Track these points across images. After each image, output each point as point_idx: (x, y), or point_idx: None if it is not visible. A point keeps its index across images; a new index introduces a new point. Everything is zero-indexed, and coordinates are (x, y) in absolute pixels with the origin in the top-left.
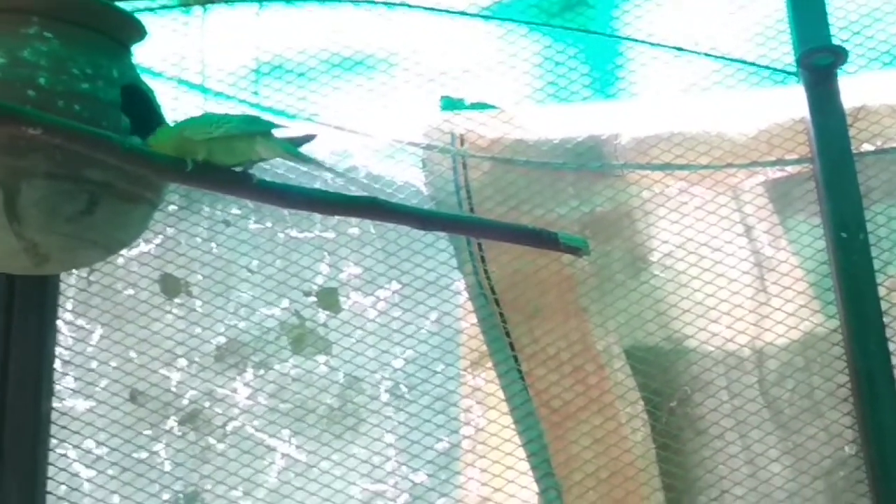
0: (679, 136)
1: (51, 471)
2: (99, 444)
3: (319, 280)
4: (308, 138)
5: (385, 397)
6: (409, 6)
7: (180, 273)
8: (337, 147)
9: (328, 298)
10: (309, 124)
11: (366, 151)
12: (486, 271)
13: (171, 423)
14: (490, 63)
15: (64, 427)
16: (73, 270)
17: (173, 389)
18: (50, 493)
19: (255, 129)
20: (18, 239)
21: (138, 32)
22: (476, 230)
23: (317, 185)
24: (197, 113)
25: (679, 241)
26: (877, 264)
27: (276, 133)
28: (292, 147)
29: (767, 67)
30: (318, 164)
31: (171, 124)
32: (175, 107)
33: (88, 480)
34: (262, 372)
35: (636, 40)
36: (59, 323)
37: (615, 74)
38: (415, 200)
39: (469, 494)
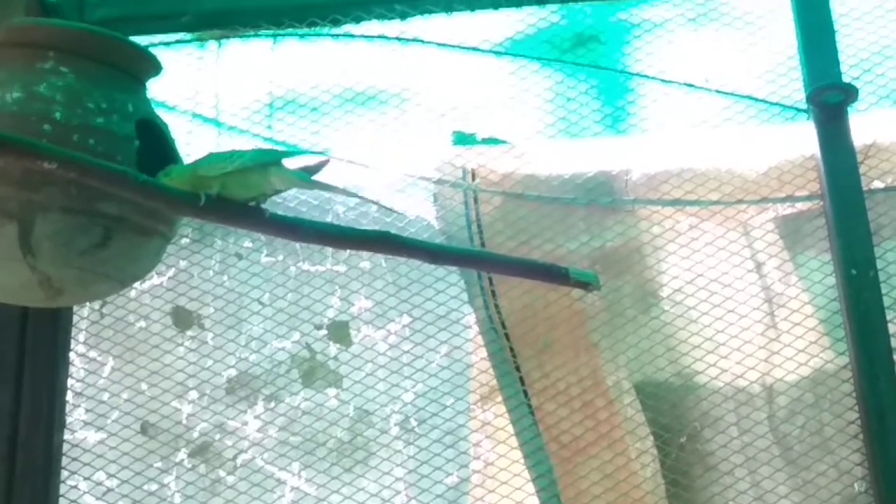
0: (689, 172)
1: (62, 502)
2: (110, 476)
3: (330, 313)
4: (322, 165)
5: (395, 431)
6: (422, 42)
7: (192, 306)
8: (349, 181)
9: (339, 332)
10: (322, 158)
11: (378, 185)
12: (496, 306)
13: (182, 455)
14: (502, 98)
15: (75, 459)
16: (86, 303)
17: (184, 422)
18: None
19: (267, 160)
20: (32, 272)
21: (153, 67)
22: (487, 265)
23: (328, 219)
24: (211, 147)
25: (689, 276)
26: (887, 301)
27: (289, 163)
28: (306, 175)
29: (778, 104)
30: (335, 190)
31: (185, 163)
32: (189, 140)
33: None
34: (272, 405)
35: (647, 76)
36: (71, 355)
37: (626, 110)
38: (426, 235)
39: None
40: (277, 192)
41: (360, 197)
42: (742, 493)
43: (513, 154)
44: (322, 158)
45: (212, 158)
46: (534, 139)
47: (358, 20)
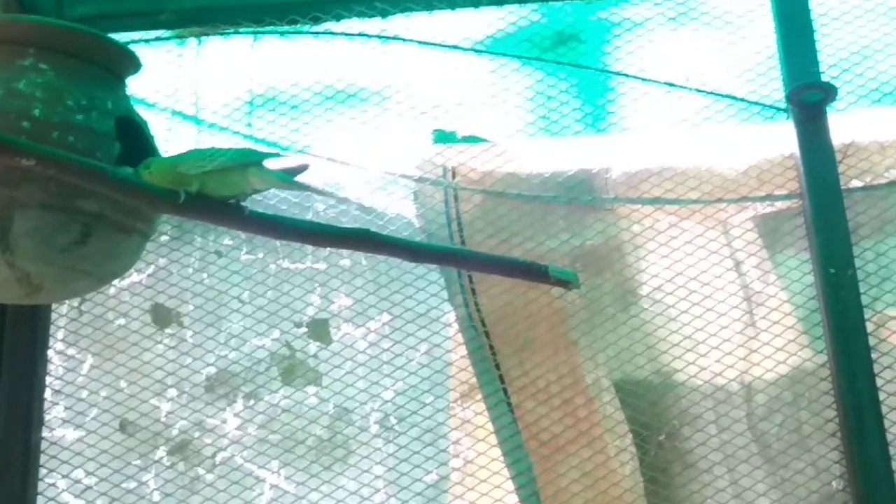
0: (669, 170)
1: (40, 500)
2: (88, 474)
3: (310, 311)
4: (302, 168)
5: (374, 429)
6: (403, 40)
7: (172, 303)
8: (329, 179)
9: (319, 329)
10: (302, 156)
11: (358, 183)
12: (476, 304)
13: (161, 453)
14: (482, 97)
15: (53, 457)
16: (65, 301)
17: (163, 419)
18: None
19: (248, 161)
20: (11, 269)
21: (133, 64)
22: (467, 262)
23: (308, 217)
24: (191, 144)
25: (669, 275)
26: (865, 300)
27: (270, 164)
28: (287, 176)
29: (757, 104)
30: (314, 191)
31: (165, 158)
32: (168, 138)
33: None
34: (251, 402)
35: (627, 75)
36: (49, 353)
37: (606, 109)
38: (406, 233)
39: None
40: (257, 191)
41: (339, 198)
42: (720, 491)
43: (493, 152)
44: (302, 162)
45: (192, 155)
46: (514, 138)
47: (339, 18)
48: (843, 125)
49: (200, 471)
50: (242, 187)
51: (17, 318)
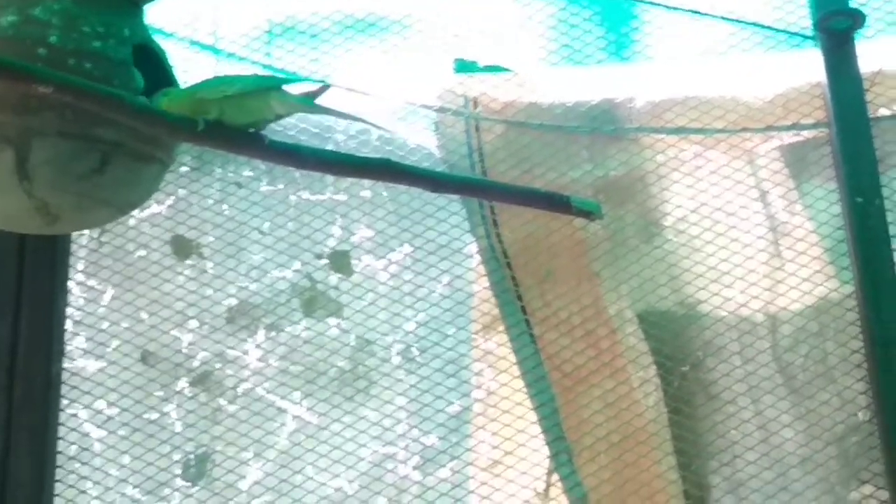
0: (694, 99)
1: (61, 431)
2: (110, 404)
3: (331, 243)
4: (320, 92)
5: (396, 360)
6: None
7: (192, 234)
8: (349, 109)
9: (340, 261)
10: (321, 85)
11: (379, 114)
12: (498, 235)
13: (182, 384)
14: (504, 26)
15: (74, 387)
16: (84, 231)
17: (184, 351)
18: (60, 452)
19: (268, 85)
20: (29, 198)
21: None
22: (488, 193)
23: (329, 147)
24: (209, 73)
25: (693, 205)
26: (892, 230)
27: (289, 89)
28: (308, 99)
29: (784, 31)
30: (336, 113)
31: (183, 87)
32: (186, 68)
33: (99, 441)
34: (273, 334)
35: (652, 3)
36: (70, 283)
37: (630, 37)
38: (427, 163)
39: (480, 457)
40: (279, 117)
41: (362, 120)
42: (745, 422)
43: (515, 82)
44: (321, 85)
45: (211, 82)
46: (537, 67)
47: None
48: (871, 53)
49: (222, 402)
50: (263, 113)
51: (37, 248)
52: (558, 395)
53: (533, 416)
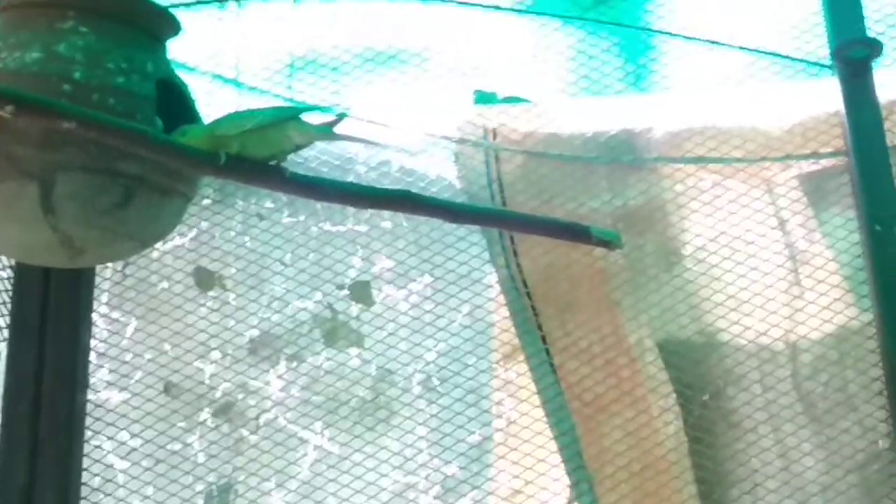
0: (712, 129)
1: (85, 462)
2: (133, 435)
3: (352, 273)
4: (338, 120)
5: (417, 390)
6: (443, 0)
7: (214, 266)
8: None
9: (361, 291)
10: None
11: (399, 145)
12: (518, 264)
13: (205, 415)
14: (523, 57)
15: (98, 419)
16: (108, 264)
17: (207, 382)
18: (85, 484)
19: (286, 116)
20: (54, 232)
21: (173, 27)
22: (508, 223)
23: (349, 179)
24: (232, 107)
25: (712, 234)
26: None
27: (307, 118)
28: (326, 128)
29: (802, 60)
30: (355, 140)
31: (202, 124)
32: (209, 101)
33: (123, 472)
34: (294, 364)
35: (670, 34)
36: (94, 316)
37: (648, 68)
38: (447, 194)
39: (500, 487)
40: (298, 147)
41: (379, 145)
42: (765, 451)
43: (534, 113)
44: (337, 116)
45: (230, 118)
46: (555, 98)
47: None
48: (889, 81)
49: (244, 432)
50: (282, 144)
51: (61, 281)
52: (579, 423)
53: (553, 446)
